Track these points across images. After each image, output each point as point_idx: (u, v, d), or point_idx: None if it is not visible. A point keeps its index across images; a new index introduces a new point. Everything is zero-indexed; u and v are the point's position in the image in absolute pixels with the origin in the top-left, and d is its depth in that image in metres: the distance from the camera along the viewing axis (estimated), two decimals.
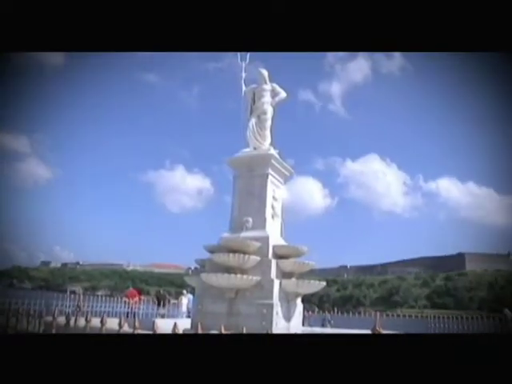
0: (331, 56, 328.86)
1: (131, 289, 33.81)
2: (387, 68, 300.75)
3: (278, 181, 16.83)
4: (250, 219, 15.45)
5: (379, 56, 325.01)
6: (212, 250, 14.94)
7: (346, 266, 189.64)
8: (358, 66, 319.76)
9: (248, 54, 17.86)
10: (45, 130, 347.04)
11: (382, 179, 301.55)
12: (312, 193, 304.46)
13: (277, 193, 16.57)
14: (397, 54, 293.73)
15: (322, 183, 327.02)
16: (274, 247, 14.88)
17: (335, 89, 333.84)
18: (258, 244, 14.43)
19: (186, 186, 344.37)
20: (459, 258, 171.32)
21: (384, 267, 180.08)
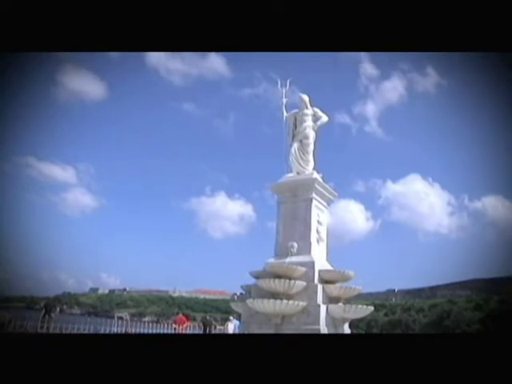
0: (364, 77, 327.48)
1: (180, 315, 33.94)
2: (422, 86, 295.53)
3: (322, 205, 16.75)
4: (295, 244, 15.39)
5: (413, 74, 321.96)
6: (257, 276, 14.92)
7: (393, 290, 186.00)
8: (392, 86, 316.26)
9: (288, 81, 18.01)
10: (89, 159, 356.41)
11: (425, 200, 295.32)
12: (354, 216, 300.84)
13: (321, 217, 16.49)
14: (431, 72, 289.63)
15: (363, 206, 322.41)
16: (319, 272, 14.75)
17: (371, 110, 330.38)
18: (303, 269, 14.34)
19: (227, 212, 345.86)
20: None
21: (433, 290, 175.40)
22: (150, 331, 25.23)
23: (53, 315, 26.55)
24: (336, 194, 17.23)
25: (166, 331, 26.19)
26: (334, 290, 14.42)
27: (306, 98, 17.69)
